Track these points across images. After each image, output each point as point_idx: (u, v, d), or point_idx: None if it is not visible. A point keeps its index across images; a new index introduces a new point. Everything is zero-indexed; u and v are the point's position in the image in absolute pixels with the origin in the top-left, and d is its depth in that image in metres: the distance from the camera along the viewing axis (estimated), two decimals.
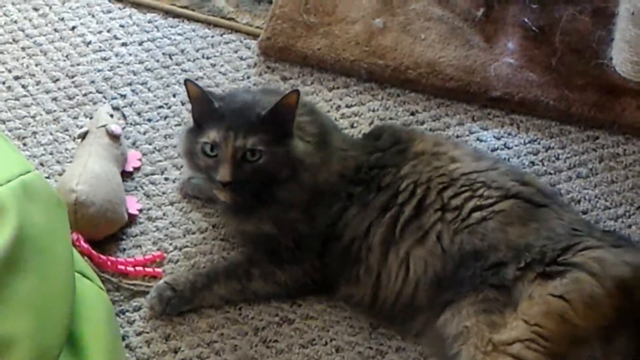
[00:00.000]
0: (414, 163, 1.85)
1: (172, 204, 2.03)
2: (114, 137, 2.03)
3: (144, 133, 2.15)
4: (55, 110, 2.19)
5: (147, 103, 2.21)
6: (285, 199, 1.82)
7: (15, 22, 2.37)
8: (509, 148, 2.14)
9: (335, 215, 1.84)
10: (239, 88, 2.17)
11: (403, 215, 1.80)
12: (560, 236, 1.74)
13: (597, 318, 1.63)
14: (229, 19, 2.39)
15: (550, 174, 2.10)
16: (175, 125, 2.16)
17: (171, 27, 2.37)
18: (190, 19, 2.39)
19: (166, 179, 2.07)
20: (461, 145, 1.97)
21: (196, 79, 2.24)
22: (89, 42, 2.33)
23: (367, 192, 1.84)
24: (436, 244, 1.77)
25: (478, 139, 2.16)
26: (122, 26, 2.37)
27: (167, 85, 2.25)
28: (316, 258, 1.85)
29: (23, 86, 2.24)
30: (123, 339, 1.81)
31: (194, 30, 2.37)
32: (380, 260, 1.80)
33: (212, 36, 2.36)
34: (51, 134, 2.15)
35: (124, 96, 2.22)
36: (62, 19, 2.38)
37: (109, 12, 2.40)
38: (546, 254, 1.70)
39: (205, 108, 1.82)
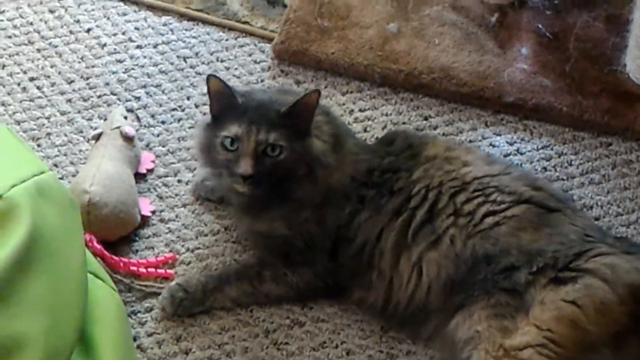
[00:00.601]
0: (426, 167, 1.85)
1: (184, 206, 2.04)
2: (128, 139, 2.04)
3: (158, 135, 2.16)
4: (69, 112, 2.20)
5: (161, 105, 2.22)
6: (301, 197, 1.83)
7: (31, 23, 2.38)
8: (521, 154, 2.14)
9: (347, 218, 1.84)
10: (254, 88, 2.18)
11: (415, 219, 1.80)
12: (573, 242, 1.74)
13: (609, 324, 1.63)
14: (244, 22, 2.39)
15: (563, 180, 2.10)
16: (189, 128, 2.16)
17: (186, 30, 2.38)
18: (205, 22, 2.40)
19: (179, 181, 2.08)
20: (473, 150, 1.97)
21: None
22: (104, 45, 2.34)
23: (379, 196, 1.84)
24: (450, 248, 1.76)
25: (491, 144, 2.16)
26: (137, 29, 2.38)
27: (181, 88, 2.25)
28: (328, 260, 1.85)
29: (38, 87, 2.25)
30: (134, 339, 1.81)
31: (208, 34, 2.38)
32: (392, 264, 1.80)
33: (227, 39, 2.36)
34: (65, 135, 2.16)
35: (138, 98, 2.23)
36: (78, 21, 2.39)
37: (124, 14, 2.41)
38: (558, 260, 1.70)
39: (227, 103, 1.82)
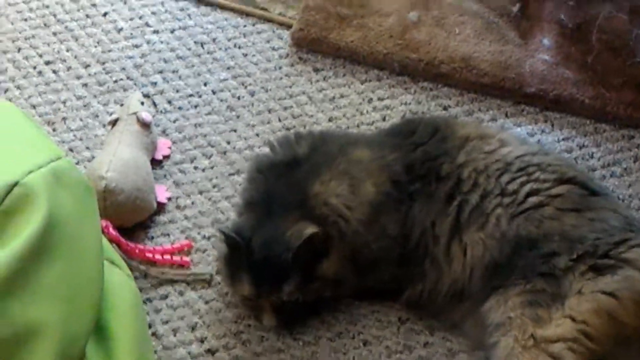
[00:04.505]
0: (466, 150, 1.81)
1: (201, 192, 2.02)
2: (144, 125, 2.02)
3: (174, 121, 2.14)
4: (85, 96, 2.19)
5: (177, 91, 2.20)
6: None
7: (47, 7, 2.37)
8: (542, 145, 2.12)
9: (404, 215, 1.78)
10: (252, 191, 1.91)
11: (468, 204, 1.76)
12: (615, 229, 1.70)
13: None
14: (262, 8, 2.37)
15: None
16: (206, 114, 2.15)
17: (203, 15, 2.36)
18: (223, 7, 2.38)
19: (195, 167, 2.06)
20: (501, 129, 1.92)
21: (227, 68, 2.23)
22: (121, 29, 2.32)
23: (427, 185, 1.79)
24: (495, 228, 1.72)
25: None
26: (154, 13, 2.36)
27: (198, 74, 2.23)
28: (396, 267, 1.79)
29: (54, 71, 2.23)
30: (149, 327, 1.80)
31: (226, 19, 2.35)
32: (445, 250, 1.75)
33: (245, 25, 2.34)
34: (81, 120, 2.14)
35: (154, 84, 2.21)
36: (94, 5, 2.37)
37: None
38: (599, 247, 1.67)
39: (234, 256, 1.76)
